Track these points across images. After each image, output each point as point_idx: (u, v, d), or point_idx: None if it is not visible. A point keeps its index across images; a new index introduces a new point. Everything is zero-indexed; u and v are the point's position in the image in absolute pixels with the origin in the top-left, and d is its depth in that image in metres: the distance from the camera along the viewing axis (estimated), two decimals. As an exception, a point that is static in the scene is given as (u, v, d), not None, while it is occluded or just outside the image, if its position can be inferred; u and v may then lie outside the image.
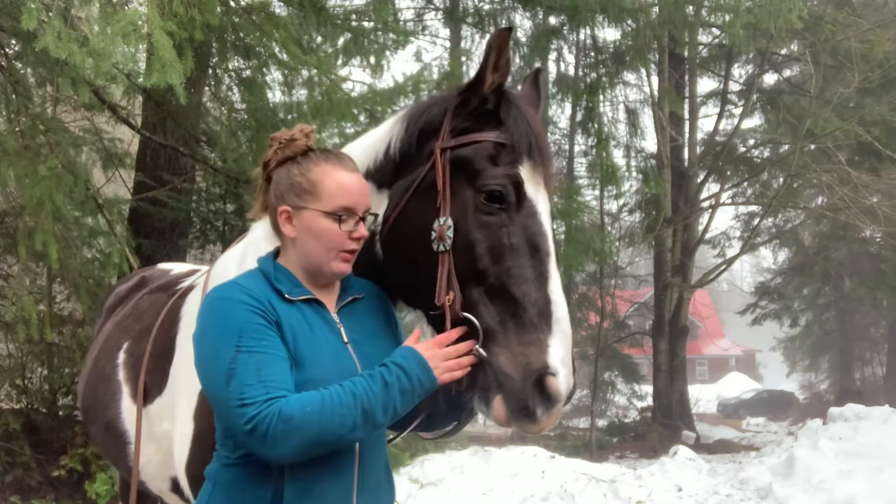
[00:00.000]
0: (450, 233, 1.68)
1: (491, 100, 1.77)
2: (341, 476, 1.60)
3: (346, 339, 1.69)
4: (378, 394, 1.50)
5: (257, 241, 2.11)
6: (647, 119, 16.64)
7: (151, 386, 2.29)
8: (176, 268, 3.16)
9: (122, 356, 2.58)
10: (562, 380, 1.56)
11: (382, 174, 1.87)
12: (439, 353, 1.56)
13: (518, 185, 1.71)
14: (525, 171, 1.73)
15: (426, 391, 1.56)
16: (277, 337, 1.58)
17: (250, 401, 1.47)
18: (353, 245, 1.70)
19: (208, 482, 1.67)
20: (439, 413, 1.76)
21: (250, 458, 1.56)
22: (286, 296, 1.65)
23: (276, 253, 1.77)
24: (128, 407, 2.44)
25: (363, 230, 1.71)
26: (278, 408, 1.46)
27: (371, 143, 1.94)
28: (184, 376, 2.12)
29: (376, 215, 1.80)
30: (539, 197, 1.75)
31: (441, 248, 1.68)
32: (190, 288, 2.43)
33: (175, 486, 2.22)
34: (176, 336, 2.27)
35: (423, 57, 16.38)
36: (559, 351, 1.58)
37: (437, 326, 1.71)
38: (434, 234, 1.69)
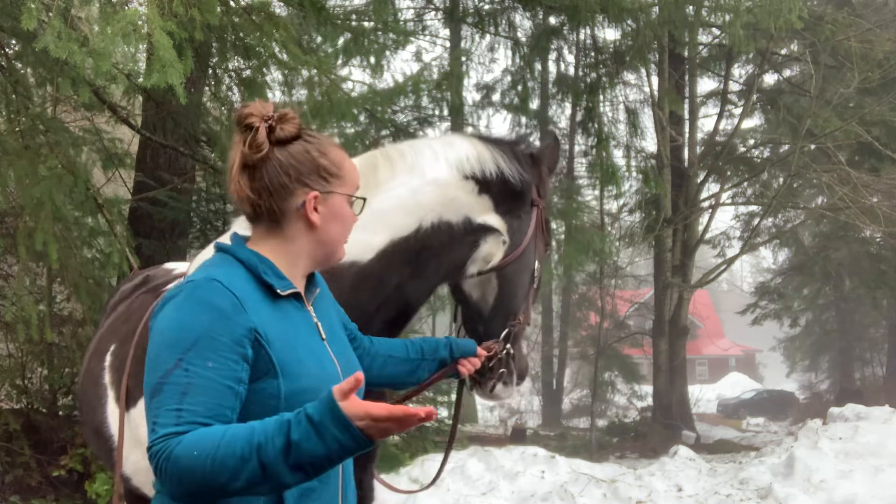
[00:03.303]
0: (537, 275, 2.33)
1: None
2: (329, 482, 1.55)
3: (323, 336, 1.58)
4: (280, 449, 1.22)
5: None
6: (647, 119, 16.59)
7: (134, 389, 2.20)
8: (179, 267, 3.13)
9: (108, 358, 2.51)
10: None
11: (488, 186, 2.22)
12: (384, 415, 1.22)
13: None
14: None
15: (352, 451, 1.24)
16: (234, 357, 1.36)
17: (159, 426, 1.30)
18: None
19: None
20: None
21: None
22: (278, 291, 1.49)
23: (242, 240, 1.58)
24: (113, 411, 2.38)
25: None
26: (174, 444, 1.26)
27: (477, 154, 2.22)
28: None
29: (364, 199, 1.67)
30: None
31: (536, 285, 2.35)
32: None
33: None
34: None
35: (423, 57, 16.36)
36: None
37: (485, 332, 2.29)
38: (536, 274, 2.31)
